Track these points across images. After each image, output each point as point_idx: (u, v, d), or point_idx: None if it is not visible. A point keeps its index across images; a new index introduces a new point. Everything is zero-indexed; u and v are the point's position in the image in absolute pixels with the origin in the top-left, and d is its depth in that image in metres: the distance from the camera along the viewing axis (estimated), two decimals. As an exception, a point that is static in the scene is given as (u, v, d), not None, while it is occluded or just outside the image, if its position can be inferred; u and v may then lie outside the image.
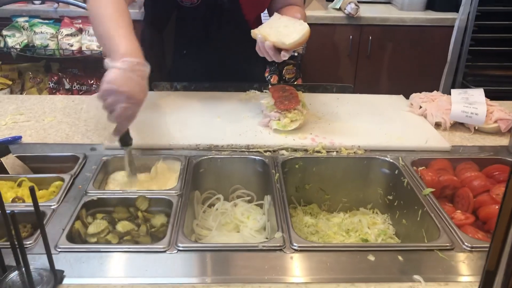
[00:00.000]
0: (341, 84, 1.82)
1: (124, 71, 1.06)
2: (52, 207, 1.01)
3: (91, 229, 0.97)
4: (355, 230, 1.21)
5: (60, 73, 3.05)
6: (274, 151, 1.28)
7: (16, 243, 0.77)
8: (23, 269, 0.80)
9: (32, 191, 0.73)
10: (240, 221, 1.17)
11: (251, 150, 1.29)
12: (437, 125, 1.47)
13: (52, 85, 3.02)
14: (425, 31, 3.24)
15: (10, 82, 3.04)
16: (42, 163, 1.24)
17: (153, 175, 1.22)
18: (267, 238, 1.11)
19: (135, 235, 0.97)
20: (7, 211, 0.75)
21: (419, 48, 3.29)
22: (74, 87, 3.00)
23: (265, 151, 1.28)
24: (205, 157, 1.25)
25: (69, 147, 1.30)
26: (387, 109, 1.57)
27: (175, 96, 1.64)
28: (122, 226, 1.00)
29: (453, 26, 3.14)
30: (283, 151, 1.28)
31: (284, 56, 1.28)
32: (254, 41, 1.34)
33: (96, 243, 0.94)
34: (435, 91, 1.63)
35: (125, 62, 1.07)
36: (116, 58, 1.07)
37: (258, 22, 1.72)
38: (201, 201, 1.26)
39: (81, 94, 2.99)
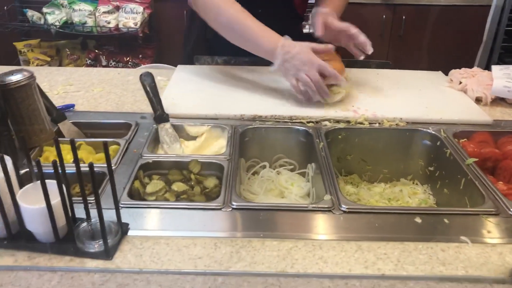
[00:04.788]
0: (379, 61, 1.83)
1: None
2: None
3: (149, 188, 1.03)
4: (396, 199, 1.24)
5: (97, 50, 3.13)
6: (316, 122, 1.32)
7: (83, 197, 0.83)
8: (92, 220, 0.87)
9: (105, 145, 0.79)
10: (285, 188, 1.22)
11: (294, 120, 1.33)
12: (478, 100, 1.48)
13: (90, 62, 3.10)
14: (460, 11, 3.20)
15: (48, 59, 3.14)
16: (96, 130, 1.31)
17: (200, 143, 1.28)
18: (312, 204, 1.15)
19: (191, 194, 1.03)
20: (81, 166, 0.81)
21: (454, 28, 3.24)
22: (111, 64, 3.07)
23: (308, 122, 1.32)
24: (250, 127, 1.29)
25: (120, 115, 1.36)
26: (427, 84, 1.58)
27: (217, 69, 1.68)
28: (177, 186, 1.06)
29: (489, 6, 3.09)
30: (326, 122, 1.31)
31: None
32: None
33: (154, 201, 1.00)
34: (475, 67, 1.63)
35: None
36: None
37: (304, 4, 1.75)
38: (246, 168, 1.30)
39: (117, 71, 3.07)
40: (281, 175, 1.26)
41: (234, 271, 0.79)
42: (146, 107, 1.41)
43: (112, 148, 1.17)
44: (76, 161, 0.82)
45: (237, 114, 1.34)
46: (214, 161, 1.12)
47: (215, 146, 1.28)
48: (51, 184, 0.81)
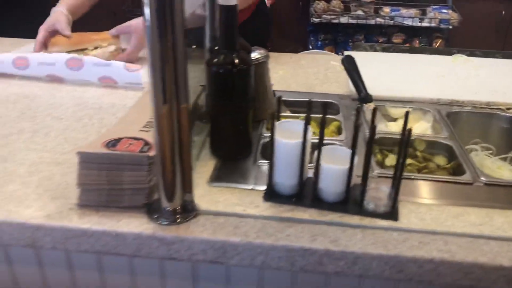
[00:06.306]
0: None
1: None
2: (344, 141, 1.15)
3: (388, 162, 1.09)
4: None
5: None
6: (517, 109, 1.34)
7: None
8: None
9: (406, 115, 0.85)
10: (492, 171, 1.25)
11: (491, 106, 1.36)
12: None
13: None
14: None
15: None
16: (301, 108, 1.38)
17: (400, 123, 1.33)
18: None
19: (431, 169, 1.08)
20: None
21: None
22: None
23: (508, 109, 1.34)
24: (453, 111, 1.33)
25: (317, 96, 1.43)
26: None
27: (386, 56, 1.74)
28: (409, 161, 1.12)
29: None
30: (528, 109, 1.33)
31: None
32: None
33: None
34: None
35: None
36: None
37: None
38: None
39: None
40: (486, 159, 1.29)
41: (525, 238, 0.84)
42: (335, 88, 1.48)
43: (334, 124, 1.25)
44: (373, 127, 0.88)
45: (434, 97, 1.38)
46: (438, 140, 1.17)
47: (416, 128, 1.32)
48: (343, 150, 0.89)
